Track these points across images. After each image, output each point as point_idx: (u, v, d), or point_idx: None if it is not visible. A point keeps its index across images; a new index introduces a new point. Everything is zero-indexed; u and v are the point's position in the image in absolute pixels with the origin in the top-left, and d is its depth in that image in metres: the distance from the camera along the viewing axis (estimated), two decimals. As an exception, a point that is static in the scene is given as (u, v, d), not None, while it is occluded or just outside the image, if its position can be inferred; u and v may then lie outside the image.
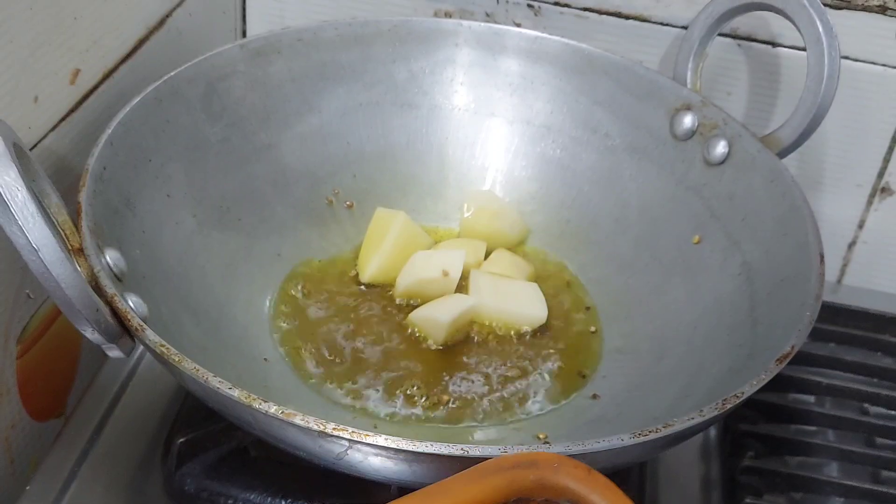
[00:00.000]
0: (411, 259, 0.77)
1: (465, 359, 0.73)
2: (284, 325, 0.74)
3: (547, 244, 0.83)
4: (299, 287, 0.76)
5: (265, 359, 0.71)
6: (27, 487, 0.67)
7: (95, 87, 0.70)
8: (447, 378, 0.71)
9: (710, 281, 0.73)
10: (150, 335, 0.54)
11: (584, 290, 0.79)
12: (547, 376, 0.72)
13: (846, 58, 0.82)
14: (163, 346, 0.53)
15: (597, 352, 0.75)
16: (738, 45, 0.85)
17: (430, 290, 0.75)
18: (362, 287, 0.77)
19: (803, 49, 0.74)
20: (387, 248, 0.78)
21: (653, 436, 0.52)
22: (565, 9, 0.86)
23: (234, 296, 0.73)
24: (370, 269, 0.77)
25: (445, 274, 0.75)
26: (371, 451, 0.50)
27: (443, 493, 0.43)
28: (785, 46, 0.84)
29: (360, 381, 0.70)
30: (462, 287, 0.76)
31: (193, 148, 0.73)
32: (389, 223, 0.79)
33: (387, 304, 0.76)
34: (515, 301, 0.76)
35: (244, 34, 0.94)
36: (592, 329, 0.76)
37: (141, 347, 0.59)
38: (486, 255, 0.80)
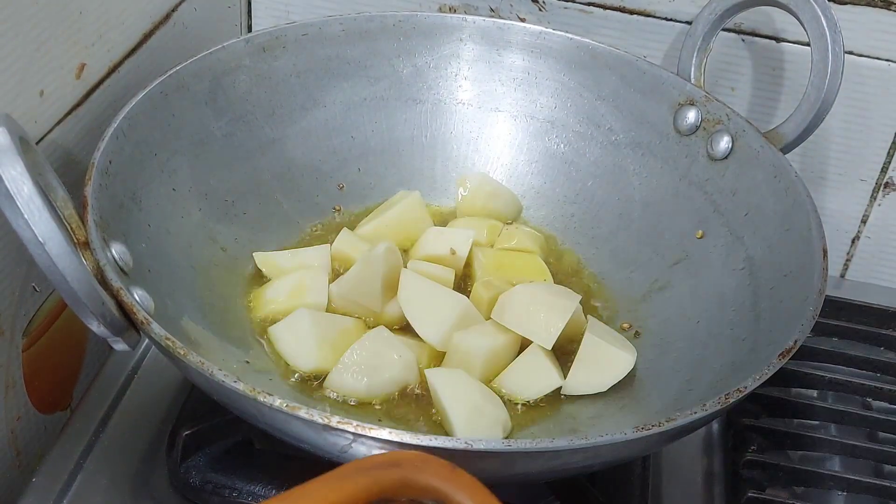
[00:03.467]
0: (424, 235, 0.78)
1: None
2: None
3: (550, 238, 0.83)
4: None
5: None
6: (33, 479, 0.67)
7: (101, 82, 0.70)
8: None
9: (713, 276, 0.73)
10: (156, 328, 0.54)
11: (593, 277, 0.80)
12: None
13: (850, 53, 0.82)
14: (168, 339, 0.54)
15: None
16: (742, 40, 0.85)
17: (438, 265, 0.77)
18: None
19: (807, 44, 0.74)
20: (391, 214, 0.79)
21: (655, 430, 0.52)
22: (570, 4, 0.86)
23: (239, 289, 0.73)
24: (367, 227, 0.79)
25: (453, 252, 0.76)
26: (375, 445, 0.51)
27: (303, 496, 0.42)
28: (789, 42, 0.84)
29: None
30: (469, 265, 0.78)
31: (199, 142, 0.74)
32: (403, 197, 0.81)
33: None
34: (518, 272, 0.77)
35: (250, 29, 0.94)
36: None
37: (146, 340, 0.60)
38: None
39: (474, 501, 0.40)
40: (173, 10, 0.80)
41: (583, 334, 0.71)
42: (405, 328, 0.72)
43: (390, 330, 0.70)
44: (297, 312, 0.70)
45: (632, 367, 0.70)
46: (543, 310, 0.69)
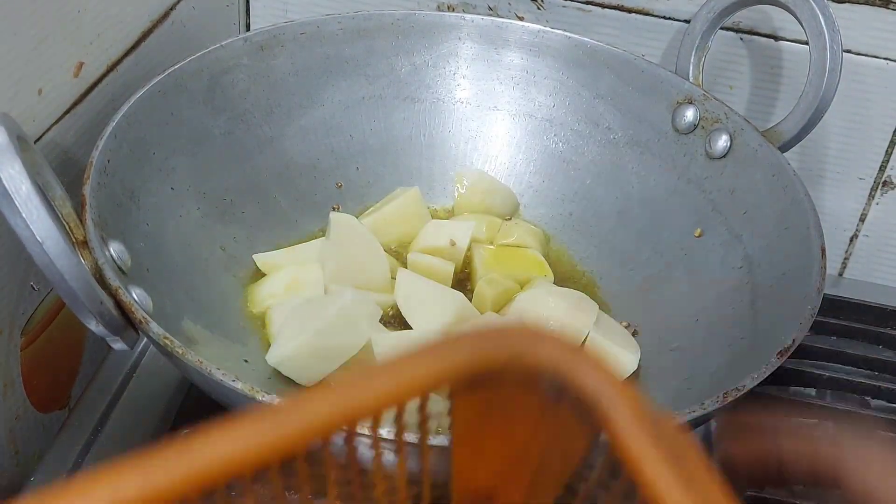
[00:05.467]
0: (424, 227, 0.79)
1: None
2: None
3: (549, 237, 0.83)
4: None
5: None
6: (31, 479, 0.67)
7: (99, 80, 0.70)
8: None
9: (711, 274, 0.73)
10: (154, 328, 0.54)
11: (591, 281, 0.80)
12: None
13: (848, 51, 0.82)
14: (167, 338, 0.54)
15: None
16: (741, 38, 0.85)
17: (438, 257, 0.77)
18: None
19: (805, 43, 0.74)
20: (389, 208, 0.80)
21: (654, 428, 0.52)
22: (568, 2, 0.86)
23: (237, 288, 0.73)
24: (365, 221, 0.79)
25: (453, 243, 0.77)
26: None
27: (390, 371, 0.33)
28: (787, 40, 0.84)
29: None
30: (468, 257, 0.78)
31: (197, 141, 0.74)
32: (402, 193, 0.81)
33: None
34: (518, 268, 0.77)
35: (248, 27, 0.94)
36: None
37: (145, 339, 0.59)
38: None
39: (598, 381, 0.32)
40: (171, 9, 0.79)
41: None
42: (404, 326, 0.72)
43: (384, 323, 0.71)
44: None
45: (635, 367, 0.70)
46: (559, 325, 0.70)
